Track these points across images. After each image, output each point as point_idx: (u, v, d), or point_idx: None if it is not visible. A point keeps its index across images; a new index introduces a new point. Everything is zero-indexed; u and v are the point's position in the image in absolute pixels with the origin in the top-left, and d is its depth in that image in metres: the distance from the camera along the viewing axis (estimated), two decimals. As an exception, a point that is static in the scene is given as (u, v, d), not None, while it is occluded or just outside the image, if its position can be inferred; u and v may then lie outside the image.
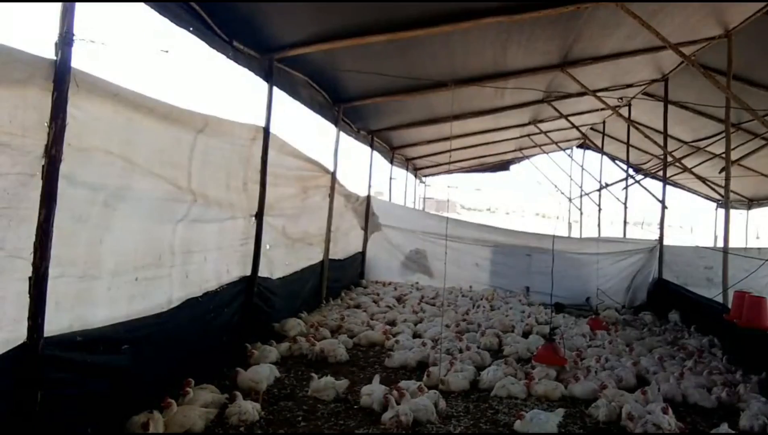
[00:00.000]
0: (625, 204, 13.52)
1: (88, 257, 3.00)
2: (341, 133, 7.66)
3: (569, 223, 18.58)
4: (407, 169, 14.53)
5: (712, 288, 7.72)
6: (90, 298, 3.02)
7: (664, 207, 10.06)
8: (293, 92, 5.95)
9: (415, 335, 6.43)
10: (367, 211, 10.17)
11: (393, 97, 7.46)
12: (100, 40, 2.70)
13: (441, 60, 6.39)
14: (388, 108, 8.33)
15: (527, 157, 16.95)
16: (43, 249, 2.52)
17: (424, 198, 18.79)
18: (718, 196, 11.95)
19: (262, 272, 5.36)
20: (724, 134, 7.55)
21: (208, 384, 4.07)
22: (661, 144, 10.06)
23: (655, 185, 12.14)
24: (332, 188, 7.62)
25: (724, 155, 7.60)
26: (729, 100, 7.01)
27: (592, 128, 14.15)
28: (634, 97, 10.37)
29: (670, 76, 9.14)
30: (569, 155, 16.36)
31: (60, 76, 2.55)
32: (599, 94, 8.59)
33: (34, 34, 2.70)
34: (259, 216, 5.20)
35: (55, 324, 2.66)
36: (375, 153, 10.24)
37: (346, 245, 9.23)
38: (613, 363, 5.56)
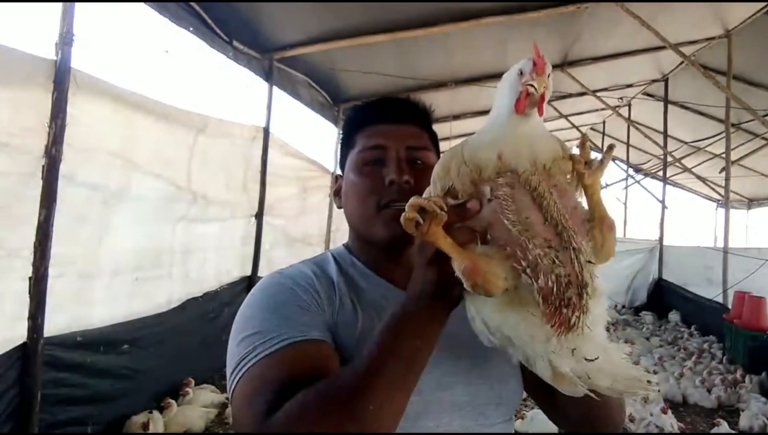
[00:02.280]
0: (625, 204, 13.52)
1: (88, 257, 3.00)
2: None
3: (569, 223, 18.55)
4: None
5: (712, 288, 7.72)
6: (90, 298, 3.02)
7: (664, 207, 10.06)
8: (293, 92, 5.94)
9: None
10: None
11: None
12: (100, 40, 2.70)
13: (441, 60, 6.39)
14: (388, 108, 8.32)
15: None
16: (43, 249, 2.52)
17: (424, 198, 18.78)
18: (718, 196, 11.95)
19: (262, 272, 5.35)
20: (724, 134, 7.55)
21: (208, 384, 4.07)
22: (661, 144, 10.06)
23: (655, 185, 12.14)
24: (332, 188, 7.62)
25: (724, 155, 7.60)
26: (729, 100, 7.01)
27: (592, 128, 14.14)
28: (634, 97, 10.36)
29: (670, 76, 9.14)
30: (569, 155, 16.35)
31: (60, 76, 2.55)
32: (599, 94, 8.59)
33: (34, 34, 2.70)
34: (259, 216, 5.20)
35: (55, 324, 2.67)
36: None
37: (346, 245, 9.23)
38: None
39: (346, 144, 0.96)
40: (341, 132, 1.00)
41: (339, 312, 0.82)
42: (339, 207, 0.97)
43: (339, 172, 1.00)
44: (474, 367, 0.84)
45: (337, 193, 0.97)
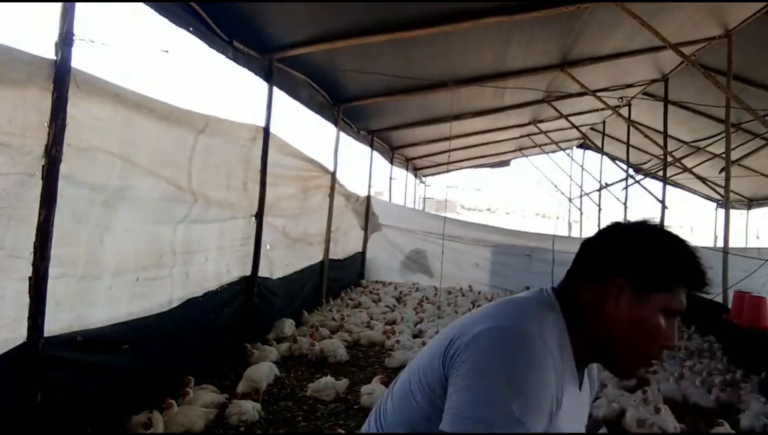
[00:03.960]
0: (625, 204, 13.52)
1: (89, 257, 3.00)
2: (341, 133, 7.67)
3: (569, 223, 18.57)
4: (407, 169, 14.53)
5: (712, 288, 7.70)
6: (90, 298, 3.02)
7: (664, 207, 10.06)
8: (293, 92, 5.95)
9: (416, 335, 6.43)
10: (367, 211, 10.17)
11: (393, 97, 7.46)
12: (100, 40, 2.70)
13: (441, 60, 6.39)
14: (388, 108, 8.33)
15: (527, 156, 16.94)
16: (43, 249, 2.52)
17: (424, 198, 18.76)
18: (718, 196, 11.95)
19: (262, 272, 5.36)
20: (724, 134, 7.55)
21: (208, 384, 4.07)
22: (661, 144, 10.06)
23: (655, 185, 12.15)
24: (332, 188, 7.63)
25: (724, 155, 7.60)
26: (729, 100, 7.00)
27: (592, 128, 14.14)
28: (634, 97, 10.36)
29: (670, 76, 9.13)
30: (569, 155, 16.36)
31: (60, 76, 2.55)
32: (599, 94, 8.59)
33: (34, 34, 2.70)
34: (259, 216, 5.20)
35: (55, 324, 2.66)
36: (375, 153, 10.25)
37: (346, 245, 9.24)
38: (613, 363, 5.55)
39: (666, 280, 0.96)
40: (666, 258, 0.98)
41: (554, 418, 0.85)
42: (601, 310, 0.96)
43: (624, 277, 0.96)
44: None
45: (618, 298, 0.95)
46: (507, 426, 0.75)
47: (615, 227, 1.03)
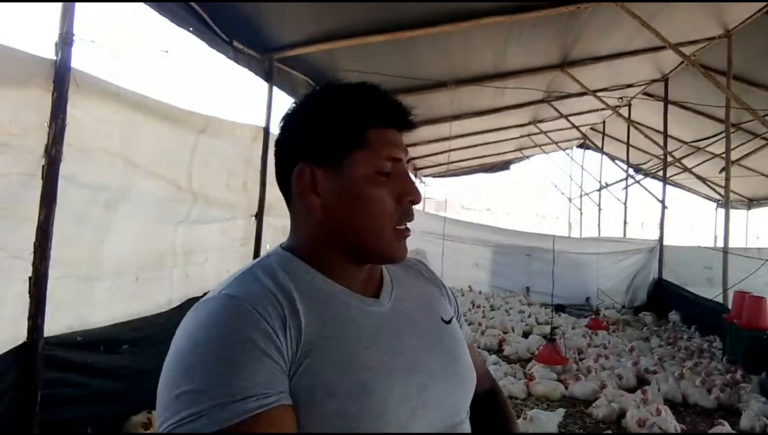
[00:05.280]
0: (625, 204, 13.52)
1: (90, 258, 3.00)
2: (341, 133, 7.67)
3: (569, 223, 18.58)
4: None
5: (712, 288, 7.72)
6: (91, 299, 3.02)
7: (664, 207, 10.06)
8: (293, 92, 5.94)
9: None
10: (367, 211, 10.16)
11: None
12: (100, 40, 2.70)
13: (441, 60, 6.39)
14: (388, 108, 8.32)
15: (527, 157, 16.95)
16: (43, 249, 2.51)
17: (424, 198, 18.77)
18: (718, 196, 11.95)
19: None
20: (724, 134, 7.55)
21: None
22: (661, 144, 10.07)
23: (655, 185, 12.15)
24: (332, 188, 7.63)
25: (724, 155, 7.60)
26: (729, 100, 7.01)
27: (592, 128, 14.15)
28: (634, 97, 10.37)
29: (670, 76, 9.14)
30: (569, 155, 16.36)
31: (60, 76, 2.54)
32: (599, 94, 8.59)
33: (34, 34, 2.70)
34: (259, 216, 5.20)
35: (55, 324, 2.66)
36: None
37: (346, 245, 9.24)
38: (613, 363, 5.56)
39: (347, 137, 0.79)
40: (324, 114, 0.81)
41: (303, 338, 0.71)
42: (308, 207, 0.81)
43: (305, 161, 0.79)
44: (449, 363, 0.84)
45: (315, 191, 0.79)
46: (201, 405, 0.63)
47: (285, 116, 0.84)
